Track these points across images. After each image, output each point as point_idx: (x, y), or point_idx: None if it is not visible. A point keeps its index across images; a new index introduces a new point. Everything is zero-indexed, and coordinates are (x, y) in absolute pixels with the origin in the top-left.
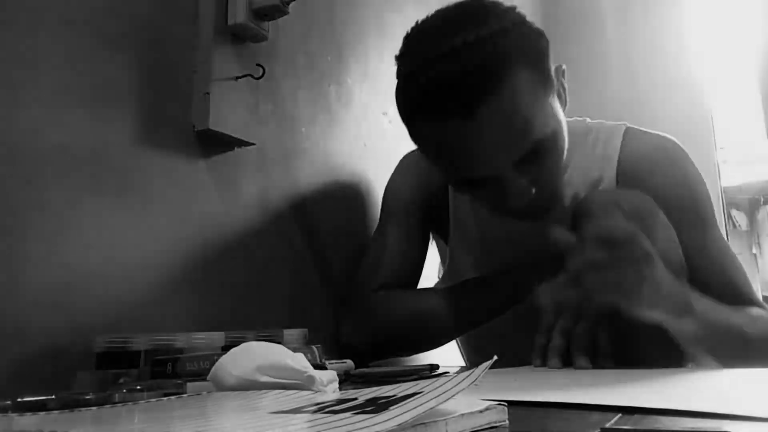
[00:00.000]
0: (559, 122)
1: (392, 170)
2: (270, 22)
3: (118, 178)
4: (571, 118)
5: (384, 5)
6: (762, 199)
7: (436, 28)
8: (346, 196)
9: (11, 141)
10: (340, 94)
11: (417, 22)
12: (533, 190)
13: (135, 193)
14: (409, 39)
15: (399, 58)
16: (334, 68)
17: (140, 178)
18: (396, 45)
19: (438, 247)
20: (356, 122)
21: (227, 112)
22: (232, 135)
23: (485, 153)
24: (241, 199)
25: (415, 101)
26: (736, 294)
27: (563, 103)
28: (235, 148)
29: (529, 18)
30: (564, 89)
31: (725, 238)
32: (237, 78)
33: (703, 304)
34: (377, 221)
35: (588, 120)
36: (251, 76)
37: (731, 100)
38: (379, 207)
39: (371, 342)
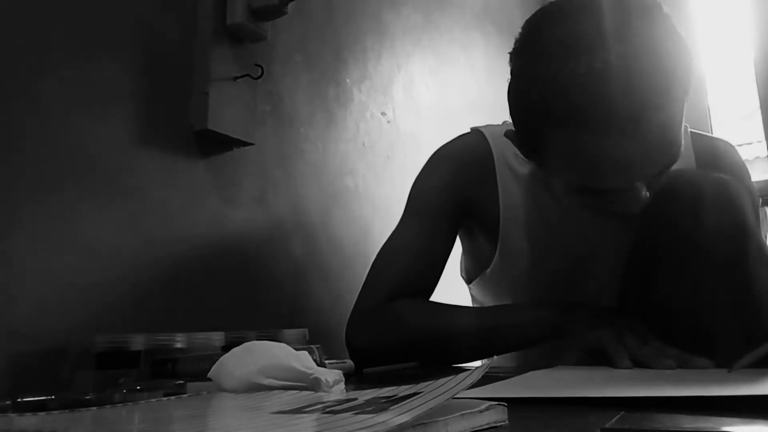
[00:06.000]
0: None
1: (391, 170)
2: (269, 22)
3: (116, 179)
4: None
5: (382, 5)
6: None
7: (591, 24)
8: (344, 195)
9: (10, 142)
10: (338, 94)
11: (547, 11)
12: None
13: (133, 193)
14: (547, 32)
15: (532, 53)
16: (333, 68)
17: (139, 178)
18: (395, 45)
19: (466, 242)
20: (354, 122)
21: (226, 112)
22: (231, 135)
23: (634, 169)
24: (240, 199)
25: (562, 108)
26: None
27: None
28: (234, 148)
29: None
30: None
31: None
32: (235, 78)
33: None
34: (376, 221)
35: None
36: (250, 76)
37: (729, 100)
38: (378, 206)
39: (383, 349)
